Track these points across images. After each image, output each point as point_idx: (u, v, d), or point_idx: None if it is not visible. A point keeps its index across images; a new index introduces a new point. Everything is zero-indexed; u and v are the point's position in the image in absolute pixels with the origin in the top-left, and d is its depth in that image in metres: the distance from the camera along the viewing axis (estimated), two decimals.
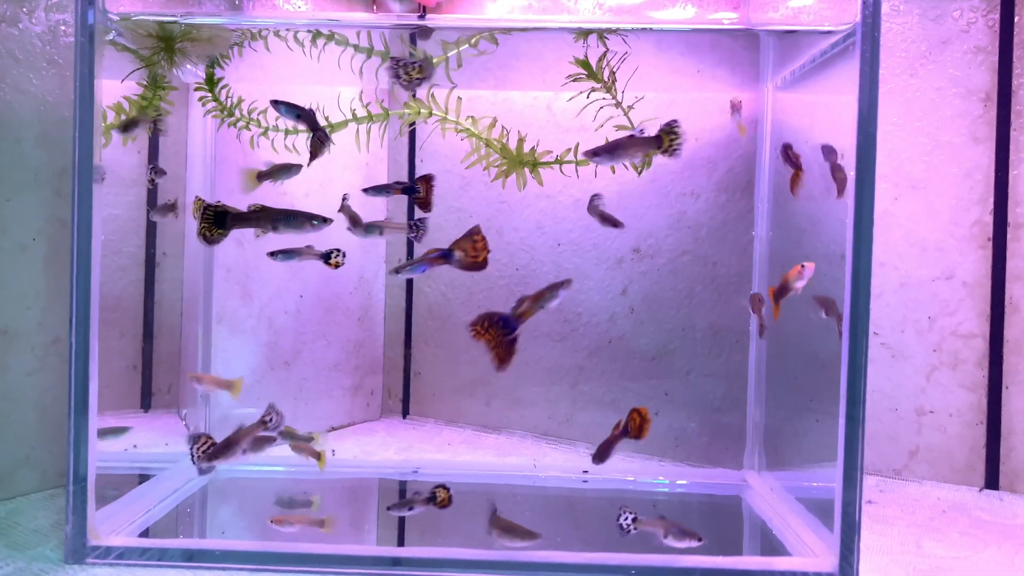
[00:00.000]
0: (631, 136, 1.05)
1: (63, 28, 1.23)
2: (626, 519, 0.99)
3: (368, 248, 1.69)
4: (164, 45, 1.12)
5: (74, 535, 0.94)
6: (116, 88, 1.19)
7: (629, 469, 1.40)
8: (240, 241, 1.41)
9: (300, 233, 1.03)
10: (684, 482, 1.33)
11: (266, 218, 1.01)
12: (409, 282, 1.71)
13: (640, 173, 1.21)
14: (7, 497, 1.16)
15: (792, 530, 1.08)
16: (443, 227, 1.67)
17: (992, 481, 1.32)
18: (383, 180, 1.73)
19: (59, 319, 1.22)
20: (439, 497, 1.05)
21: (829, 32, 1.03)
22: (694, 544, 0.95)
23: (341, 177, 1.61)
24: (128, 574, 0.92)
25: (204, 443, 1.00)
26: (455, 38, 1.16)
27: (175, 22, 1.06)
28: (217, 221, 1.00)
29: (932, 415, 1.37)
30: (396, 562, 0.99)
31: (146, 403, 1.52)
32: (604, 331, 1.51)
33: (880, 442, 1.39)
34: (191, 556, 0.96)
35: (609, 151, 1.03)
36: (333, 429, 1.60)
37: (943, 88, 1.36)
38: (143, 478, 1.22)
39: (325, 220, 1.01)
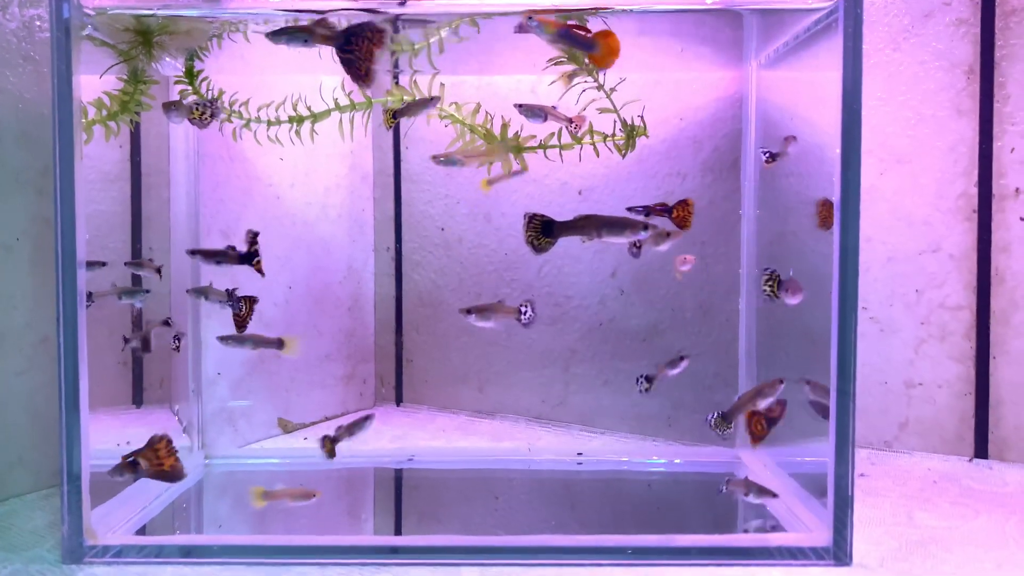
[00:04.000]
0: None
1: (38, 24, 1.21)
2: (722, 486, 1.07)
3: (356, 238, 1.69)
4: (142, 39, 1.10)
5: (70, 535, 0.94)
6: (97, 83, 1.17)
7: (623, 450, 1.41)
8: (227, 233, 1.40)
9: (622, 238, 1.04)
10: (679, 461, 1.34)
11: (591, 225, 1.02)
12: (398, 270, 1.71)
13: (624, 155, 1.21)
14: (1, 499, 1.15)
15: (786, 506, 1.09)
16: (431, 215, 1.66)
17: (981, 450, 1.34)
18: (368, 169, 1.72)
19: (47, 319, 1.21)
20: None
21: (812, 10, 1.03)
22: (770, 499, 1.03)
23: (326, 167, 1.61)
24: (126, 572, 0.92)
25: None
26: (436, 24, 1.15)
27: (152, 15, 1.05)
28: (544, 230, 1.02)
29: (921, 387, 1.38)
30: (394, 550, 0.99)
31: (138, 399, 1.52)
32: (595, 313, 1.51)
33: (871, 415, 1.40)
34: (188, 552, 0.96)
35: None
36: (327, 419, 1.60)
37: (926, 61, 1.36)
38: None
39: (647, 228, 1.01)
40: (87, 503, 0.95)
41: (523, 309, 1.14)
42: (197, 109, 1.09)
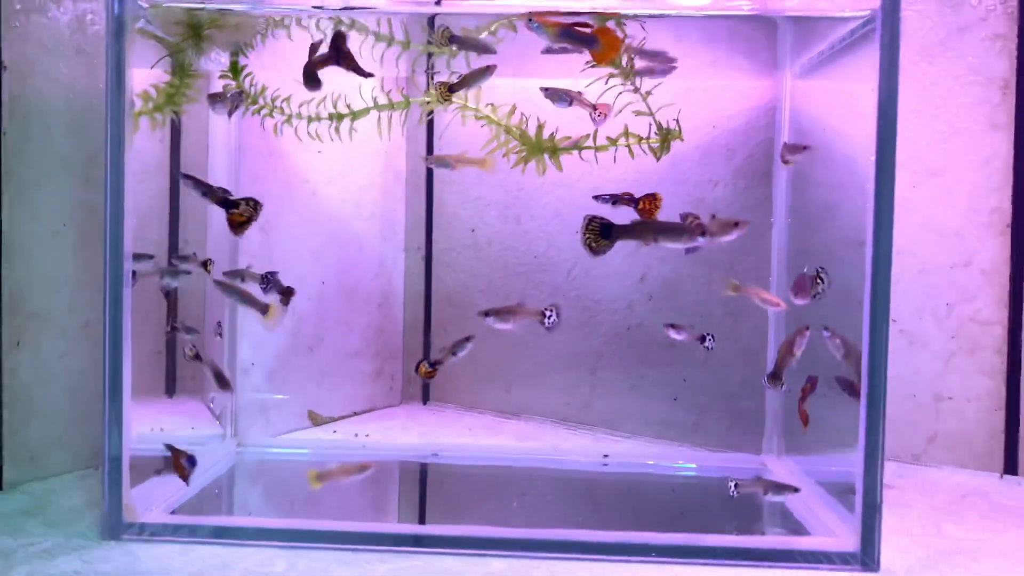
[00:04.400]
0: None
1: (90, 17, 1.25)
2: (731, 487, 1.07)
3: (387, 236, 1.71)
4: (192, 32, 1.13)
5: (110, 512, 0.97)
6: (143, 76, 1.20)
7: (649, 454, 1.42)
8: (264, 228, 1.43)
9: (679, 244, 1.06)
10: (694, 466, 1.34)
11: (649, 231, 1.05)
12: (428, 269, 1.73)
13: (659, 158, 1.22)
14: (41, 477, 1.18)
15: (812, 512, 1.09)
16: (460, 216, 1.68)
17: (1011, 467, 1.33)
18: (401, 168, 1.74)
19: (89, 303, 1.25)
20: None
21: (848, 18, 1.04)
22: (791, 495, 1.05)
23: (361, 165, 1.63)
24: (161, 549, 0.94)
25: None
26: (474, 25, 1.17)
27: (203, 9, 1.08)
28: (603, 233, 1.05)
29: (951, 401, 1.37)
30: (417, 540, 1.01)
31: (170, 389, 1.55)
32: (623, 318, 1.52)
33: (898, 428, 1.40)
34: (220, 533, 0.99)
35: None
36: (355, 414, 1.62)
37: (961, 76, 1.36)
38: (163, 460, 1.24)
39: (704, 234, 1.04)
40: (127, 483, 0.98)
41: (547, 313, 1.15)
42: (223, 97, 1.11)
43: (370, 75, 1.09)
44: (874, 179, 0.97)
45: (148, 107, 1.21)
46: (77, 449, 1.23)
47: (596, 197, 1.14)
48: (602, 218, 1.05)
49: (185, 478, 1.03)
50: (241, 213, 1.11)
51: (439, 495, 1.31)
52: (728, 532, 1.06)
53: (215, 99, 1.16)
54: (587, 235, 1.05)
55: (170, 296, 1.48)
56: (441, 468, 1.35)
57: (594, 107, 1.16)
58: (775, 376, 1.12)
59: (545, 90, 1.16)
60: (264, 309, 1.17)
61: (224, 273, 1.27)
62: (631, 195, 1.12)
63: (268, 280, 1.17)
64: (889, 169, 0.97)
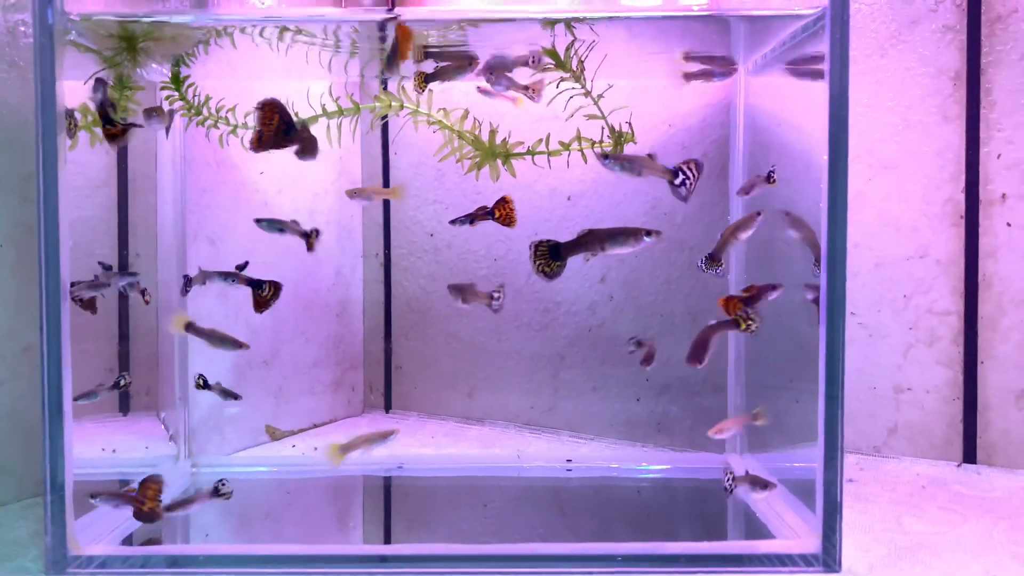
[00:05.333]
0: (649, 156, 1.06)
1: (22, 29, 1.21)
2: (728, 480, 1.06)
3: (344, 243, 1.68)
4: (127, 45, 1.10)
5: (54, 545, 0.93)
6: (83, 89, 1.16)
7: (613, 456, 1.41)
8: (213, 240, 1.39)
9: (627, 248, 1.04)
10: (659, 467, 1.33)
11: (595, 240, 1.03)
12: (387, 276, 1.70)
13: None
14: None
15: (775, 512, 1.09)
16: (419, 220, 1.66)
17: (970, 455, 1.34)
18: (357, 175, 1.71)
19: (30, 327, 1.20)
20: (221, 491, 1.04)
21: (799, 16, 1.03)
22: (771, 491, 1.03)
23: (314, 172, 1.60)
24: None
25: None
26: (423, 30, 1.15)
27: (137, 21, 1.04)
28: (552, 254, 1.03)
29: (910, 392, 1.38)
30: (382, 559, 0.99)
31: (124, 406, 1.50)
32: (584, 319, 1.51)
33: (859, 420, 1.41)
34: (175, 562, 0.96)
35: (622, 163, 1.04)
36: (316, 426, 1.59)
37: (913, 68, 1.37)
38: (124, 484, 1.21)
39: (650, 234, 1.02)
40: (71, 513, 0.94)
41: (495, 295, 1.16)
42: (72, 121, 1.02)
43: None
44: (827, 174, 0.96)
45: (88, 121, 1.17)
46: (22, 477, 1.19)
47: (453, 222, 1.14)
48: (548, 240, 1.04)
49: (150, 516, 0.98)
50: (263, 294, 1.11)
51: (404, 510, 1.28)
52: (694, 535, 1.05)
53: (150, 114, 1.12)
54: (538, 261, 1.04)
55: (122, 312, 1.44)
56: (406, 481, 1.33)
57: (527, 87, 1.14)
58: (713, 258, 1.09)
59: (488, 72, 1.12)
60: (238, 345, 1.14)
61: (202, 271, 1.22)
62: (485, 207, 1.11)
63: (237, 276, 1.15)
64: (842, 164, 0.97)
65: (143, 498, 0.97)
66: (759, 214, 1.09)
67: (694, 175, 1.05)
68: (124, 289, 1.25)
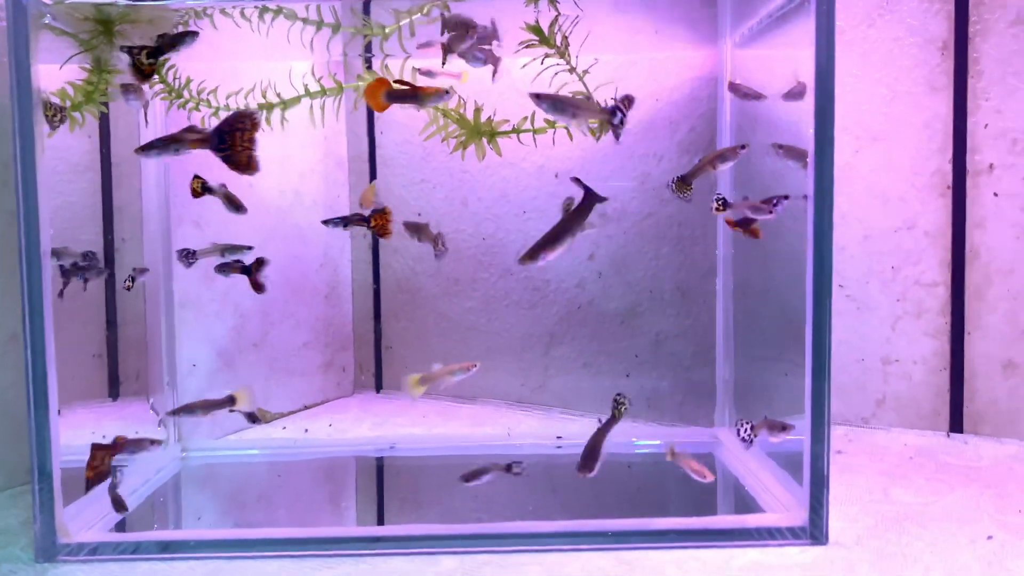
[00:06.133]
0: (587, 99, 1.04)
1: None
2: (745, 430, 1.05)
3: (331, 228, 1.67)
4: (103, 28, 1.08)
5: (43, 533, 0.93)
6: (60, 74, 1.15)
7: (603, 412, 1.41)
8: (198, 223, 1.38)
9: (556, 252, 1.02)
10: (657, 442, 1.34)
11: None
12: (376, 257, 1.70)
13: (598, 138, 1.20)
14: None
15: (763, 485, 1.10)
16: (406, 200, 1.65)
17: (957, 425, 1.35)
18: (343, 155, 1.70)
19: (15, 315, 1.19)
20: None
21: None
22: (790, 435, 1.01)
23: (300, 154, 1.58)
24: (102, 570, 0.91)
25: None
26: (407, 7, 1.14)
27: (112, 4, 1.02)
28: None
29: (898, 363, 1.39)
30: (373, 540, 0.99)
31: (114, 391, 1.50)
32: (573, 296, 1.51)
33: (848, 392, 1.41)
34: (166, 547, 0.96)
35: (554, 103, 1.01)
36: (306, 407, 1.59)
37: (901, 38, 1.36)
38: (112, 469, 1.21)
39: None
40: (59, 500, 0.94)
41: (439, 242, 1.21)
42: (49, 109, 0.98)
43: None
44: (812, 148, 0.95)
45: (66, 105, 1.15)
46: (11, 466, 1.19)
47: (325, 222, 1.13)
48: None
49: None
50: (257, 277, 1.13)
51: (396, 490, 1.29)
52: (685, 509, 1.06)
53: (127, 89, 1.10)
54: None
55: (109, 297, 1.43)
56: (397, 461, 1.33)
57: (484, 61, 1.12)
58: (684, 180, 1.06)
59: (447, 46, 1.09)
60: (232, 401, 1.13)
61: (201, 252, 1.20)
62: (361, 215, 1.10)
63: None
64: (828, 138, 0.96)
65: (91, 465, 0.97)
66: (744, 147, 1.07)
67: (625, 112, 1.02)
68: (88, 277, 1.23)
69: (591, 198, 1.02)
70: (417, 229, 1.21)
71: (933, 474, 1.18)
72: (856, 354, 1.41)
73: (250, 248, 1.20)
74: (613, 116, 1.01)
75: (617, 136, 1.03)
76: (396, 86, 1.03)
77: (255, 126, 0.99)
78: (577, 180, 1.02)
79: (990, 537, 0.95)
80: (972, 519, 1.01)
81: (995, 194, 1.31)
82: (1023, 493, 1.09)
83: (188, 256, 1.14)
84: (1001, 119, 1.30)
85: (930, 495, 1.10)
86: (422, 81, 1.16)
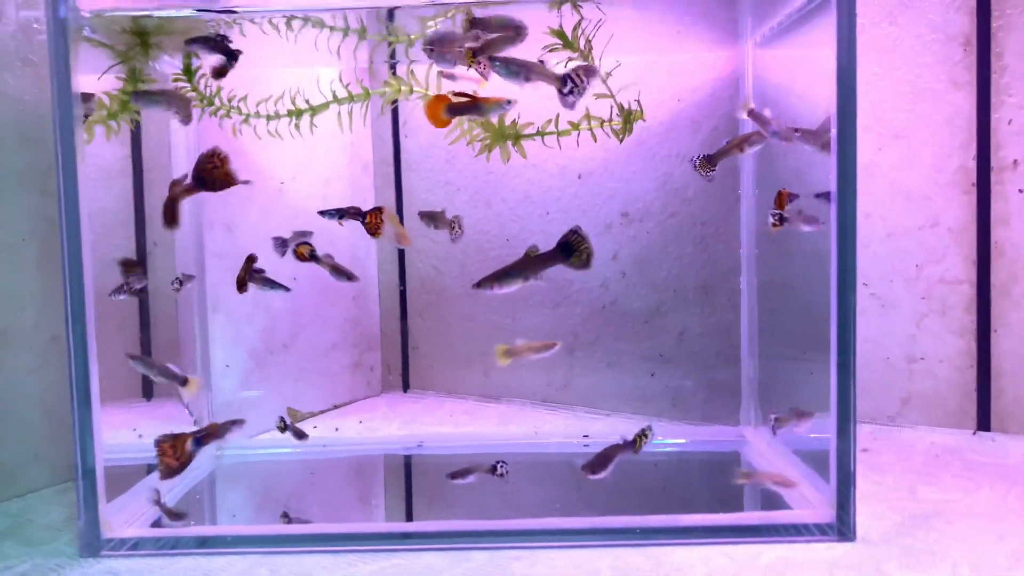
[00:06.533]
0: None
1: (36, 26, 1.22)
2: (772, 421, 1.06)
3: (358, 227, 1.69)
4: (139, 40, 1.11)
5: (87, 529, 0.96)
6: (97, 84, 1.18)
7: (629, 430, 1.42)
8: (230, 228, 1.41)
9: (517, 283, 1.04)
10: (682, 440, 1.35)
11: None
12: (401, 259, 1.72)
13: (622, 140, 1.21)
14: (18, 494, 1.18)
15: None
16: (431, 202, 1.67)
17: (984, 423, 1.35)
18: (368, 158, 1.72)
19: (56, 317, 1.23)
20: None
21: None
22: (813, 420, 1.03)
23: (327, 157, 1.61)
24: (143, 564, 0.94)
25: None
26: (432, 13, 1.15)
27: (148, 16, 1.05)
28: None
29: (923, 362, 1.39)
30: (405, 536, 1.01)
31: (147, 392, 1.54)
32: (597, 296, 1.52)
33: (873, 391, 1.41)
34: (204, 543, 0.98)
35: (507, 66, 1.01)
36: (336, 407, 1.62)
37: (923, 35, 1.36)
38: (150, 468, 1.24)
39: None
40: (103, 497, 0.97)
41: (454, 226, 1.20)
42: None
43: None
44: (835, 147, 0.96)
45: (102, 115, 1.18)
46: (54, 463, 1.22)
47: (322, 212, 1.14)
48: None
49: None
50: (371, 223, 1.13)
51: (425, 487, 1.31)
52: (710, 506, 1.07)
53: (170, 100, 1.13)
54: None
55: (143, 300, 1.47)
56: (426, 459, 1.35)
57: (478, 62, 1.12)
58: (710, 160, 1.06)
59: (429, 50, 1.09)
60: (183, 381, 1.15)
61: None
62: (358, 209, 1.11)
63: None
64: (851, 137, 0.97)
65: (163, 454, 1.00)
66: (770, 128, 1.08)
67: (583, 83, 1.02)
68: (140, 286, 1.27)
69: (555, 256, 1.03)
70: (432, 217, 1.21)
71: (960, 472, 1.18)
72: (881, 352, 1.41)
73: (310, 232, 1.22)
74: (564, 84, 1.01)
75: (567, 105, 1.01)
76: (455, 99, 1.03)
77: (225, 160, 1.05)
78: (562, 244, 1.03)
79: None
80: (1000, 516, 1.01)
81: (1020, 190, 1.31)
82: None
83: (282, 244, 1.17)
84: None
85: (957, 492, 1.10)
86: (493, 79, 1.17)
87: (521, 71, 1.01)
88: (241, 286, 1.12)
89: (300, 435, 1.17)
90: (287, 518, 1.10)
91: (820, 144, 1.01)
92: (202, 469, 1.26)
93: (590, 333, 1.53)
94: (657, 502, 1.18)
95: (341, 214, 1.14)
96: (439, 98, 1.05)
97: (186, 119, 1.11)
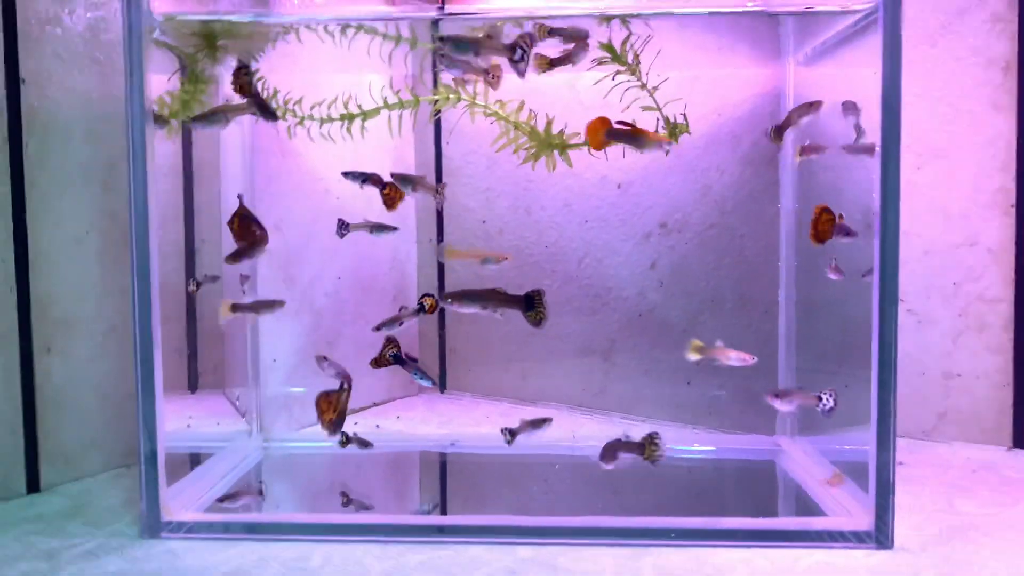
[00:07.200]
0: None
1: (103, 26, 1.27)
2: (826, 401, 1.08)
3: (401, 228, 1.73)
4: (207, 43, 1.15)
5: (148, 511, 1.00)
6: (156, 84, 1.22)
7: (665, 437, 1.44)
8: (279, 226, 1.45)
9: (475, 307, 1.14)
10: (716, 447, 1.37)
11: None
12: (440, 261, 1.76)
13: (667, 153, 1.24)
14: (76, 478, 1.22)
15: (827, 492, 1.12)
16: (471, 208, 1.71)
17: (1020, 440, 1.36)
18: (410, 162, 1.76)
19: (114, 308, 1.28)
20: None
21: (852, 12, 1.05)
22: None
23: (371, 161, 1.64)
24: (200, 546, 0.98)
25: None
26: (480, 23, 1.19)
27: (217, 20, 1.10)
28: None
29: (960, 378, 1.40)
30: (446, 530, 1.04)
31: (193, 384, 1.58)
32: (634, 305, 1.55)
33: (909, 405, 1.43)
34: (252, 529, 1.02)
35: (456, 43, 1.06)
36: (375, 404, 1.65)
37: (963, 58, 1.38)
38: (194, 457, 1.28)
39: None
40: (163, 481, 1.01)
41: (438, 191, 1.28)
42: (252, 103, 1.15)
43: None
44: (879, 164, 0.99)
45: (164, 113, 1.23)
46: (110, 449, 1.26)
47: (345, 174, 1.21)
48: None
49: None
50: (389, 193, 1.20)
51: (460, 484, 1.34)
52: (744, 512, 1.09)
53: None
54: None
55: (189, 295, 1.51)
56: (460, 458, 1.38)
57: (486, 71, 1.16)
58: (778, 131, 1.18)
59: (440, 55, 1.12)
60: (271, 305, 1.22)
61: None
62: (380, 178, 1.19)
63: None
64: (894, 156, 0.99)
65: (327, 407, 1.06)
66: (821, 103, 1.13)
67: (530, 48, 1.05)
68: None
69: (516, 302, 1.13)
70: (410, 181, 1.23)
71: (997, 487, 1.19)
72: (917, 367, 1.42)
73: (395, 228, 1.30)
74: (513, 53, 1.04)
75: (519, 72, 1.05)
76: (618, 126, 1.09)
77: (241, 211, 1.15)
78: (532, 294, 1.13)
79: None
80: None
81: None
82: None
83: (342, 227, 1.24)
84: None
85: (994, 507, 1.11)
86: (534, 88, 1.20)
87: (471, 46, 1.06)
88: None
89: (364, 444, 1.21)
90: (346, 498, 1.15)
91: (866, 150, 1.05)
92: (251, 459, 1.30)
93: (627, 340, 1.56)
94: (690, 506, 1.21)
95: (364, 178, 1.18)
96: (601, 120, 1.10)
97: (269, 117, 1.16)
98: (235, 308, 1.26)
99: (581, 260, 1.59)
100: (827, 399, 1.07)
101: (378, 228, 1.29)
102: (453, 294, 1.13)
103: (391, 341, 1.14)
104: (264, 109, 1.16)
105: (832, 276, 1.15)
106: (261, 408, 1.39)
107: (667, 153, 1.10)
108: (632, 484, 1.30)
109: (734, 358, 1.12)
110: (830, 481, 1.13)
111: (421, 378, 1.16)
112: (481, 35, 1.07)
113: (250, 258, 1.20)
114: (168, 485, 1.03)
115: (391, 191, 1.19)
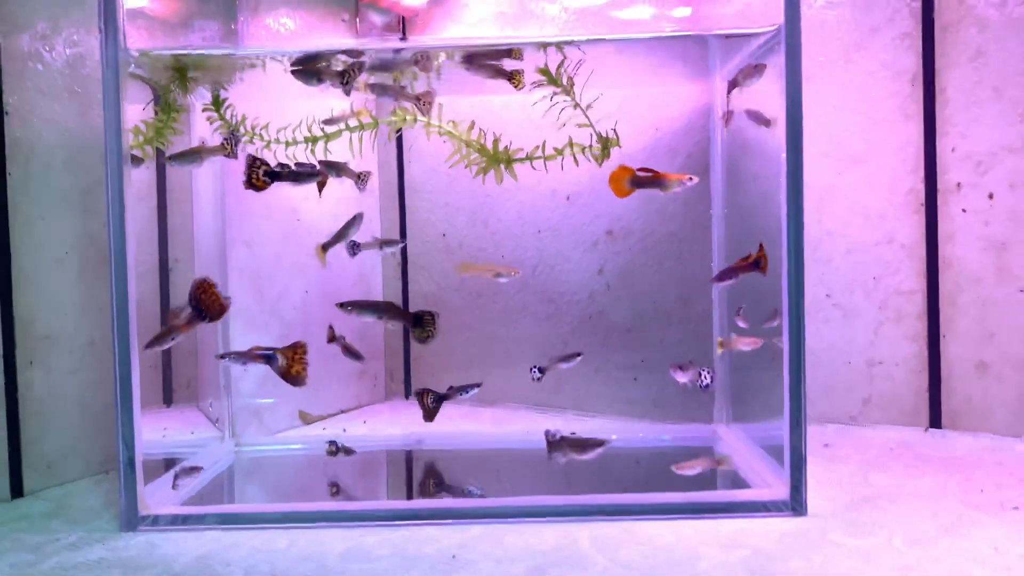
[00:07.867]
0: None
1: (81, 61, 1.37)
2: (704, 377, 1.24)
3: (365, 256, 1.83)
4: (178, 75, 1.25)
5: (127, 506, 1.09)
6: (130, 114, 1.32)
7: (613, 429, 1.55)
8: (249, 244, 1.55)
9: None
10: (666, 437, 1.48)
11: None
12: (404, 274, 1.86)
13: (600, 164, 1.35)
14: (58, 483, 1.30)
15: (754, 471, 1.23)
16: (432, 222, 1.81)
17: (936, 421, 1.47)
18: (374, 182, 1.86)
19: (93, 324, 1.36)
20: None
21: (759, 33, 1.18)
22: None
23: (337, 181, 1.74)
24: (175, 536, 1.07)
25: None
26: (439, 47, 1.30)
27: (187, 54, 1.20)
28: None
29: (881, 365, 1.52)
30: (402, 514, 1.13)
31: (168, 399, 1.67)
32: (584, 308, 1.66)
33: (837, 393, 1.54)
34: (225, 519, 1.11)
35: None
36: (343, 411, 1.74)
37: (875, 71, 1.51)
38: (169, 462, 1.36)
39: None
40: (140, 480, 1.10)
41: (361, 176, 1.43)
42: (227, 144, 1.26)
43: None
44: (784, 169, 1.10)
45: (139, 141, 1.33)
46: (89, 457, 1.35)
47: (321, 163, 1.36)
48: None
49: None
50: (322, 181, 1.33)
51: (425, 476, 1.43)
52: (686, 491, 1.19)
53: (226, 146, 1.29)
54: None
55: (164, 313, 1.60)
56: (425, 453, 1.48)
57: (418, 98, 1.31)
58: (727, 116, 1.36)
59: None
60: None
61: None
62: (313, 166, 1.34)
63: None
64: (797, 161, 1.11)
65: (291, 361, 1.16)
66: (765, 66, 1.22)
67: (355, 74, 1.22)
68: None
69: (407, 318, 1.32)
70: (335, 167, 1.37)
71: (910, 462, 1.30)
72: (843, 357, 1.54)
73: (402, 242, 1.48)
74: (343, 79, 1.22)
75: (347, 93, 1.25)
76: (641, 173, 1.22)
77: (210, 285, 1.19)
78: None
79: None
80: (938, 498, 1.14)
81: (963, 210, 1.45)
82: (988, 478, 1.22)
83: (354, 247, 1.39)
84: (966, 143, 1.45)
85: (905, 479, 1.22)
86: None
87: (314, 75, 1.22)
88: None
89: (348, 452, 1.34)
90: (336, 488, 1.24)
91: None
92: (223, 462, 1.39)
93: (579, 341, 1.66)
94: (636, 487, 1.30)
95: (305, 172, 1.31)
96: (623, 168, 1.22)
97: (231, 155, 1.28)
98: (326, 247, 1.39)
99: (535, 268, 1.70)
100: (705, 376, 1.22)
101: (386, 243, 1.42)
102: (353, 303, 1.30)
103: (428, 391, 1.28)
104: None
105: (740, 324, 1.32)
106: (233, 414, 1.48)
107: (690, 183, 1.24)
108: (584, 474, 1.40)
109: (746, 344, 1.29)
110: (719, 462, 1.26)
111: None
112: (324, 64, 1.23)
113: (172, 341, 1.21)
114: (145, 484, 1.11)
115: (325, 178, 1.34)
